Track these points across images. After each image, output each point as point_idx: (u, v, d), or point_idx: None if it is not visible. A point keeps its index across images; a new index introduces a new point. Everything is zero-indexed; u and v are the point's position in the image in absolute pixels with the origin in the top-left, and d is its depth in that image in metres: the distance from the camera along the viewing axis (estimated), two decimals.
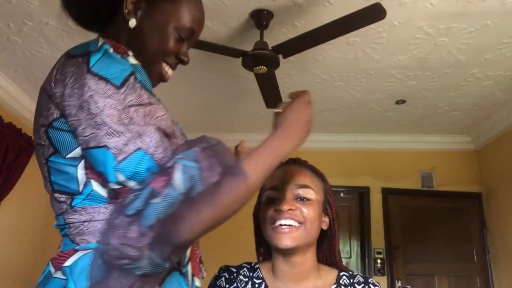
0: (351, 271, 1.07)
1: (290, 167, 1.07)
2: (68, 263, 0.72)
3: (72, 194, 0.76)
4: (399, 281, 4.20)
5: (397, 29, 2.70)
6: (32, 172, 3.71)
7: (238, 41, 2.79)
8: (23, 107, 3.77)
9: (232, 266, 1.08)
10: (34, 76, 3.43)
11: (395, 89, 3.54)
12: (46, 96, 0.77)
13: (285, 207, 0.98)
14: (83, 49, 0.77)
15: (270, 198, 1.04)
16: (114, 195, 0.71)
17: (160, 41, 0.86)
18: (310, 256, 1.03)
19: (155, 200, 0.63)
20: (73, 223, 0.75)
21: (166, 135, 0.74)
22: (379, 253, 4.25)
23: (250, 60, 2.53)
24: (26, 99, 3.76)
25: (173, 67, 0.92)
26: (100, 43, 0.78)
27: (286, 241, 0.97)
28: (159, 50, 0.87)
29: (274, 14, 2.57)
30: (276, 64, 2.57)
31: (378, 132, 4.51)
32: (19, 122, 3.72)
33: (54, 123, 0.75)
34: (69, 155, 0.75)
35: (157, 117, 0.75)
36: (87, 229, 0.74)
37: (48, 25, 2.76)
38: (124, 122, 0.69)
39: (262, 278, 1.04)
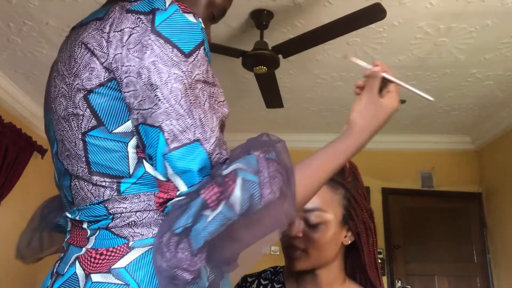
0: None
1: None
2: (122, 263, 0.58)
3: (119, 178, 0.62)
4: (399, 281, 4.20)
5: (397, 29, 2.70)
6: (32, 172, 3.70)
7: (238, 41, 2.79)
8: (23, 107, 3.77)
9: (251, 274, 1.07)
10: (34, 76, 3.43)
11: None
12: (86, 52, 0.63)
13: (292, 234, 0.95)
14: (146, 5, 0.62)
15: None
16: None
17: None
18: (334, 268, 0.99)
19: (206, 217, 0.52)
20: (122, 213, 0.61)
21: (223, 127, 0.63)
22: (379, 253, 4.24)
23: (250, 60, 2.53)
24: (26, 99, 3.76)
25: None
26: (167, 2, 0.63)
27: (295, 266, 0.96)
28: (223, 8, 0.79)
29: (274, 14, 2.57)
30: (276, 64, 2.57)
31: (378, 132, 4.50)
32: (19, 122, 3.71)
33: (100, 88, 0.61)
34: (118, 130, 0.61)
35: (219, 101, 0.63)
36: (140, 220, 0.61)
37: (48, 25, 2.76)
38: (189, 99, 0.58)
39: (283, 283, 1.03)
